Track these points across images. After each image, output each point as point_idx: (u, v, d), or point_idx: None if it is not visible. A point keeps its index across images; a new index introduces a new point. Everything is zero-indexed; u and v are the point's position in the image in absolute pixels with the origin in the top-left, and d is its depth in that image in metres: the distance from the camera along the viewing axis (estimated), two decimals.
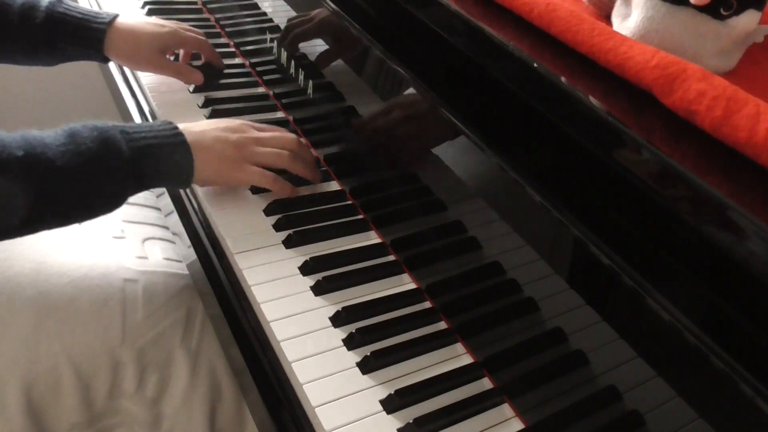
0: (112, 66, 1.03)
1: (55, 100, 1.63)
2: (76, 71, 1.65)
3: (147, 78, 0.96)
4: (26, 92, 1.62)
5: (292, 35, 0.90)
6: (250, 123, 0.78)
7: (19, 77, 1.58)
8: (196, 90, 0.95)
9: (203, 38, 0.97)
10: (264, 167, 0.76)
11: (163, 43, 0.91)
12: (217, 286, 0.69)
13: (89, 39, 0.86)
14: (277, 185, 0.76)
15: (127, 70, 1.01)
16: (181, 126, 0.72)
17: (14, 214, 0.61)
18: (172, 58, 0.96)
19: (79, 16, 0.86)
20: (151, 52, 0.90)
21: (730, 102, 0.43)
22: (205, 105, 0.92)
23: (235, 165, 0.73)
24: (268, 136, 0.77)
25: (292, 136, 0.80)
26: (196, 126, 0.74)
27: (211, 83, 0.96)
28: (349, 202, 0.78)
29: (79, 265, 0.77)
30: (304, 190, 0.79)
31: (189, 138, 0.70)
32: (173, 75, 0.94)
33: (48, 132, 0.63)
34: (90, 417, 0.76)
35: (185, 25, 0.97)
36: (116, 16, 0.89)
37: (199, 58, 0.99)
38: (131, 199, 0.95)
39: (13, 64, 0.89)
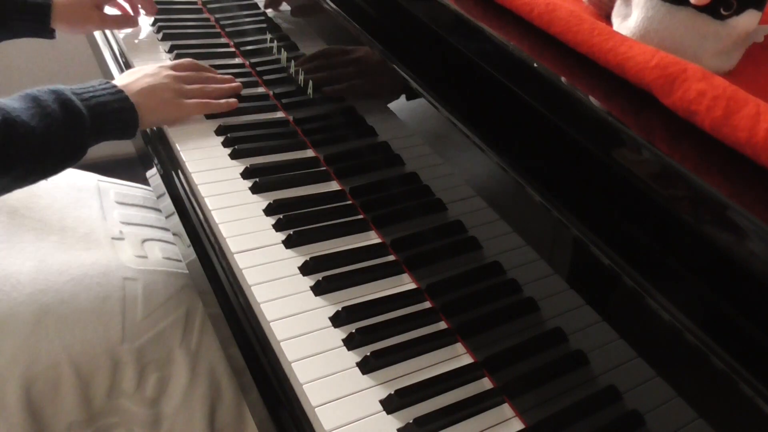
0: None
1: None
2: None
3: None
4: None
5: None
6: (162, 64, 0.87)
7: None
8: None
9: None
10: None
11: None
12: (217, 286, 0.69)
13: (38, 14, 0.90)
14: (214, 107, 0.86)
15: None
16: (116, 82, 0.80)
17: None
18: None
19: None
20: (89, 10, 0.94)
21: (730, 102, 0.43)
22: None
23: (173, 104, 0.83)
24: (181, 67, 0.87)
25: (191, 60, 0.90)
26: (125, 79, 0.82)
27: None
28: (349, 202, 0.78)
29: (79, 263, 0.77)
30: (305, 190, 0.79)
31: (128, 93, 0.79)
32: (117, 27, 1.00)
33: (3, 99, 0.68)
34: (89, 416, 0.76)
35: None
36: None
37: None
38: (130, 200, 0.96)
39: None
